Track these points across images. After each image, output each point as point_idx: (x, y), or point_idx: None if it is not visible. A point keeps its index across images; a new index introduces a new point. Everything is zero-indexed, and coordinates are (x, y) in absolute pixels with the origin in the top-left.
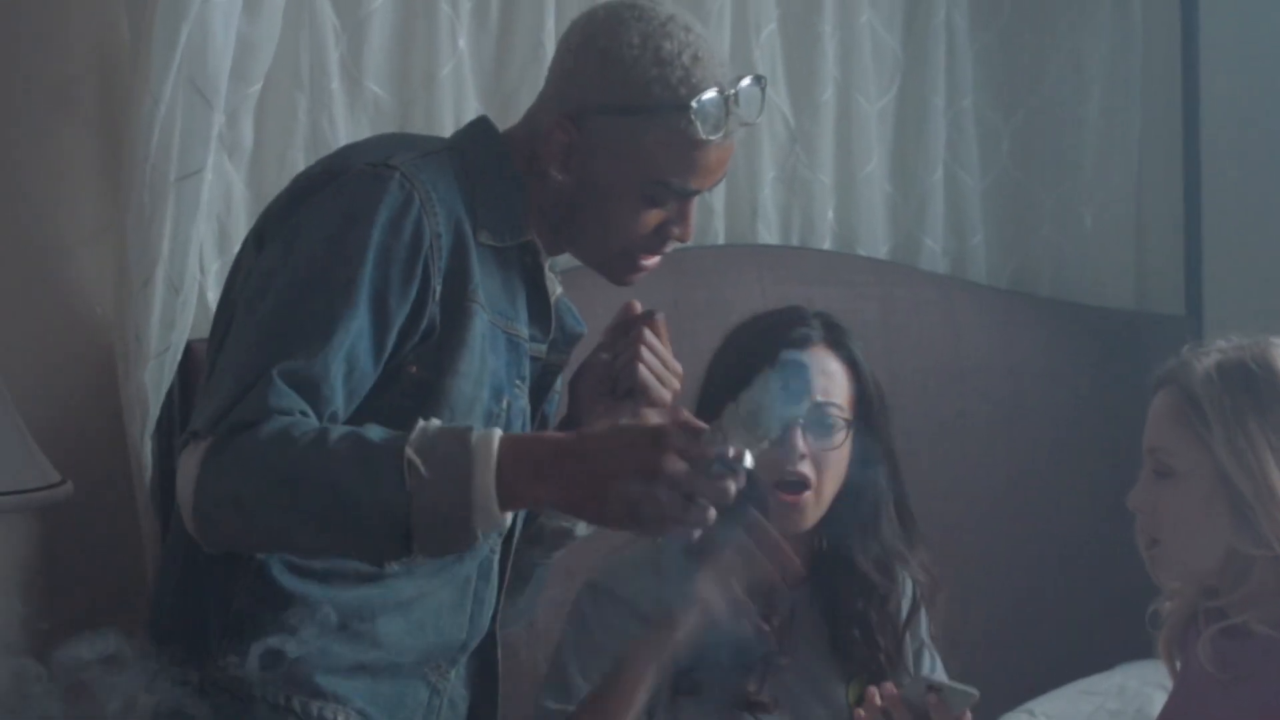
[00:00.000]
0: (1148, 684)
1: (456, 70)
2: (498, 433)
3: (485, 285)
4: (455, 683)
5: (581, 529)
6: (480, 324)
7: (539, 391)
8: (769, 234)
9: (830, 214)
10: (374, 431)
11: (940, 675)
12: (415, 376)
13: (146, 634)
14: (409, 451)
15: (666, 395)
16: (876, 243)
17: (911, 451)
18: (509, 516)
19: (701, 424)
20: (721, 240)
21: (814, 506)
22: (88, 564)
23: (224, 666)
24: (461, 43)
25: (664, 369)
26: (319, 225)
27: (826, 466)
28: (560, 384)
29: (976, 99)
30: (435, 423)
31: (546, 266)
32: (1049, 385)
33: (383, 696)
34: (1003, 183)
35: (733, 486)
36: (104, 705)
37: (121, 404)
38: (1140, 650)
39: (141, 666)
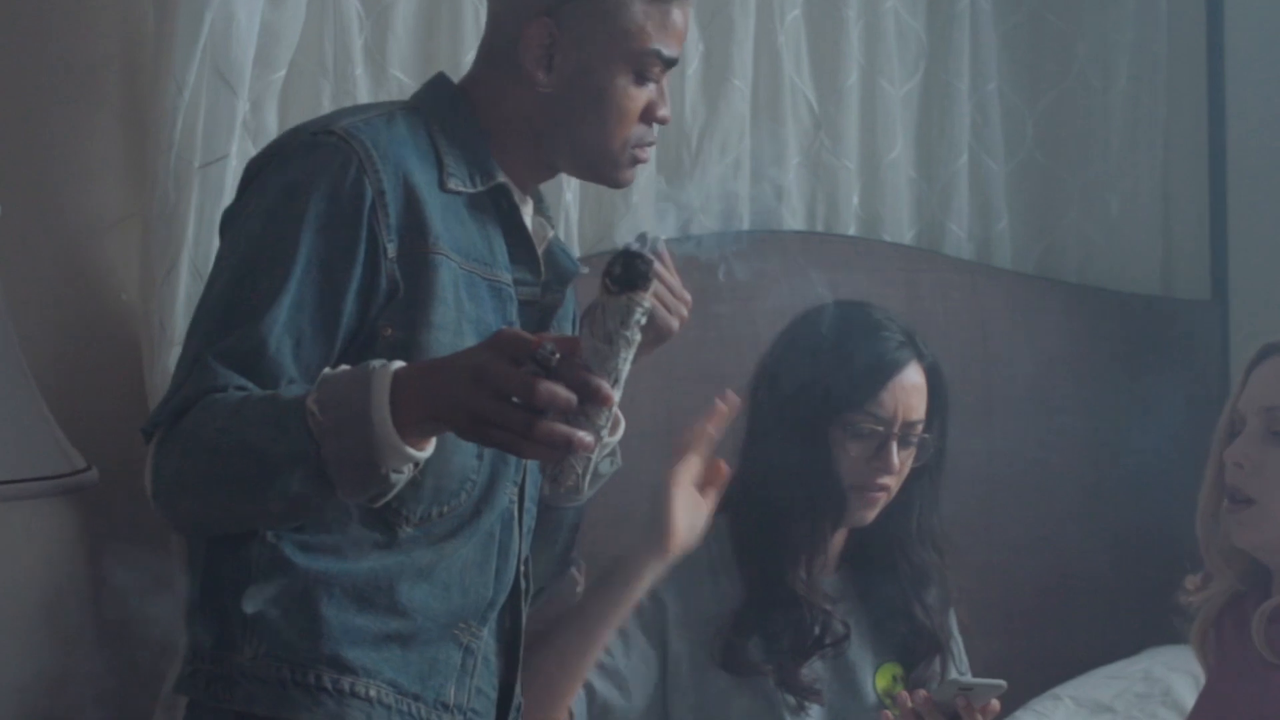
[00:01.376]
0: (1174, 669)
1: None
2: (395, 365)
3: (454, 234)
4: (488, 639)
5: (605, 466)
6: (448, 273)
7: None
8: (794, 220)
9: (855, 199)
10: (286, 390)
11: (964, 666)
12: (391, 338)
13: (185, 630)
14: (309, 401)
15: (674, 324)
16: (901, 228)
17: None
18: (426, 450)
19: (528, 335)
20: (746, 226)
21: (883, 503)
22: (114, 550)
23: (250, 654)
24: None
25: (671, 297)
26: (260, 204)
27: (902, 473)
28: (573, 326)
29: (1001, 83)
30: (343, 368)
31: (530, 207)
32: (1075, 370)
33: (413, 664)
34: (1028, 168)
35: (544, 385)
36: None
37: (146, 390)
38: (1166, 635)
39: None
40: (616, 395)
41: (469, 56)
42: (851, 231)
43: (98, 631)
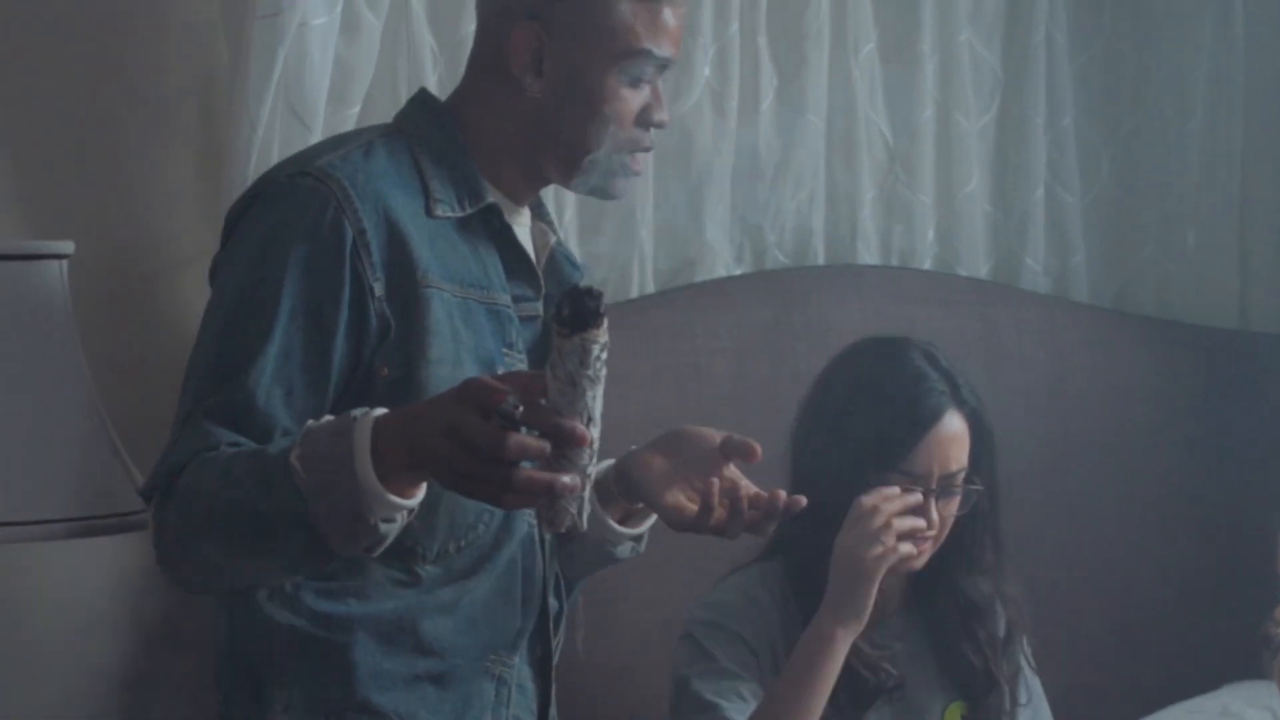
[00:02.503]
0: (1253, 704)
1: None
2: (375, 414)
3: (445, 261)
4: (520, 666)
5: (624, 550)
6: (440, 306)
7: (546, 351)
8: (869, 254)
9: (930, 234)
10: (274, 447)
11: (1033, 702)
12: (389, 377)
13: (216, 688)
14: (292, 457)
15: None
16: (977, 262)
17: (1015, 473)
18: (416, 497)
19: (496, 385)
20: (821, 261)
21: (930, 550)
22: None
23: (282, 707)
24: None
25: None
26: (241, 253)
27: (948, 518)
28: None
29: (1077, 117)
30: (325, 419)
31: (527, 217)
32: (1153, 405)
33: (448, 702)
34: (1104, 201)
35: (512, 439)
36: None
37: None
38: (1245, 671)
39: None
40: (594, 433)
41: None
42: (927, 266)
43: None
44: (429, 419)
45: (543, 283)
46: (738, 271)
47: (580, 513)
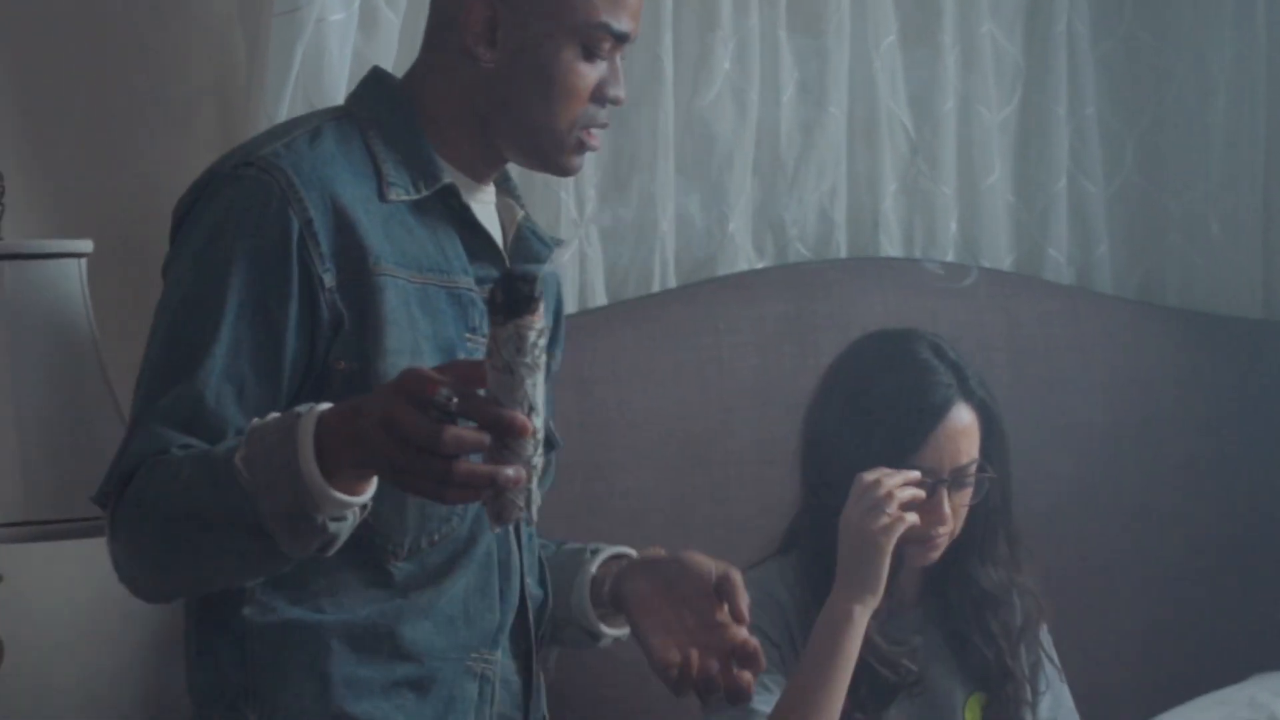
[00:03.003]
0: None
1: None
2: (320, 409)
3: (400, 247)
4: (503, 661)
5: (606, 642)
6: (395, 294)
7: None
8: (891, 246)
9: (953, 225)
10: (220, 448)
11: (1052, 690)
12: (345, 370)
13: (190, 700)
14: (236, 458)
15: None
16: (1000, 254)
17: (1038, 465)
18: (365, 494)
19: (431, 375)
20: (843, 253)
21: (946, 543)
22: None
23: None
24: None
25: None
26: (187, 248)
27: (960, 513)
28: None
29: (1100, 107)
30: (271, 416)
31: (490, 193)
32: (1177, 395)
33: (429, 706)
34: (1127, 191)
35: (449, 432)
36: None
37: None
38: (1274, 661)
39: None
40: (536, 421)
41: None
42: (949, 257)
43: None
44: (368, 413)
45: (508, 261)
46: (759, 265)
47: (529, 504)
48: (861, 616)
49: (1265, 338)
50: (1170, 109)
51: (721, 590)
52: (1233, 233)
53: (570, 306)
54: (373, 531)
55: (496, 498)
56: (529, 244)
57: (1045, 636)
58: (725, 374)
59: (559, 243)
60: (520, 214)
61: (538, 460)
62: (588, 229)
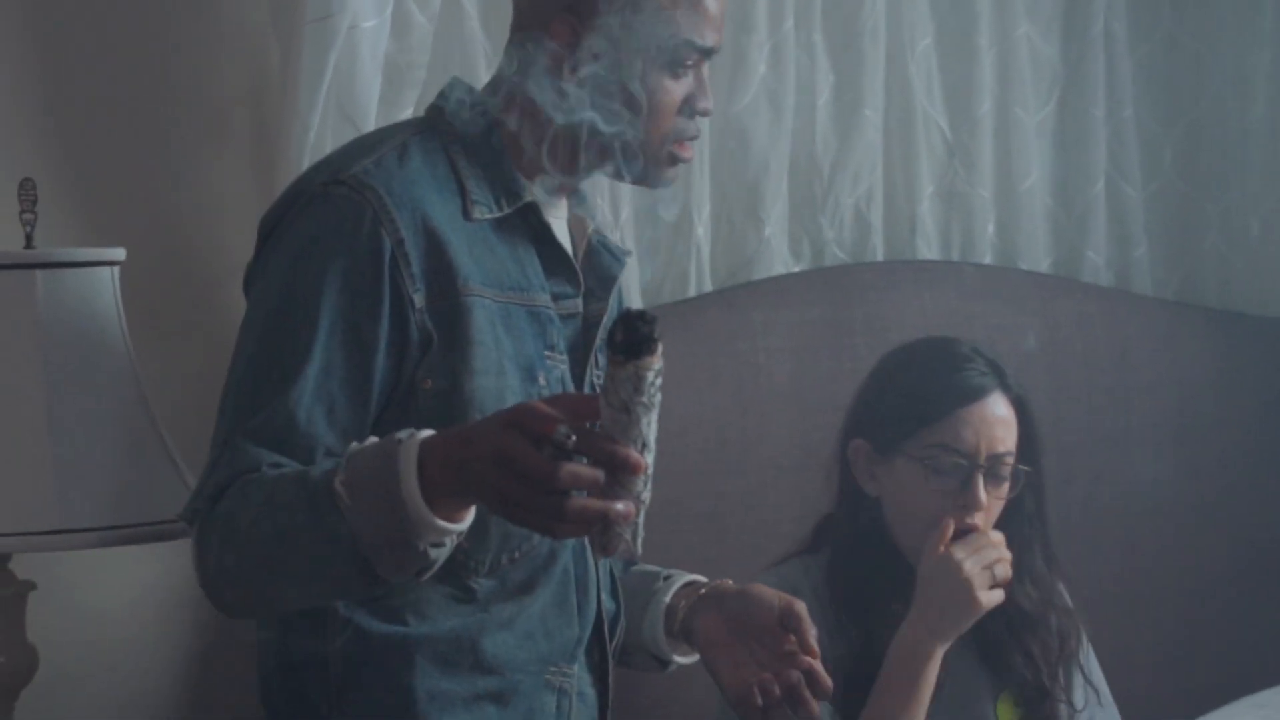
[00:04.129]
0: None
1: None
2: (421, 435)
3: (484, 266)
4: (580, 674)
5: (674, 667)
6: (483, 314)
7: (587, 348)
8: (928, 250)
9: (990, 228)
10: (317, 470)
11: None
12: (431, 389)
13: (265, 713)
14: (336, 483)
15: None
16: (1038, 256)
17: (1078, 468)
18: (465, 521)
19: (549, 412)
20: (880, 256)
21: None
22: None
23: None
24: None
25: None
26: (277, 265)
27: (992, 509)
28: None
29: (1138, 109)
30: (370, 441)
31: (565, 208)
32: (1218, 397)
33: (509, 719)
34: (1166, 193)
35: (565, 469)
36: None
37: None
38: None
39: None
40: (649, 458)
41: None
42: (987, 260)
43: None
44: (478, 445)
45: (581, 277)
46: (796, 269)
47: (635, 539)
48: (940, 654)
49: None
50: (1209, 110)
51: (786, 624)
52: (1273, 233)
53: None
54: (456, 548)
55: (604, 531)
56: (600, 257)
57: (1089, 659)
58: (761, 378)
59: (629, 254)
60: (591, 227)
61: (646, 495)
62: (623, 234)
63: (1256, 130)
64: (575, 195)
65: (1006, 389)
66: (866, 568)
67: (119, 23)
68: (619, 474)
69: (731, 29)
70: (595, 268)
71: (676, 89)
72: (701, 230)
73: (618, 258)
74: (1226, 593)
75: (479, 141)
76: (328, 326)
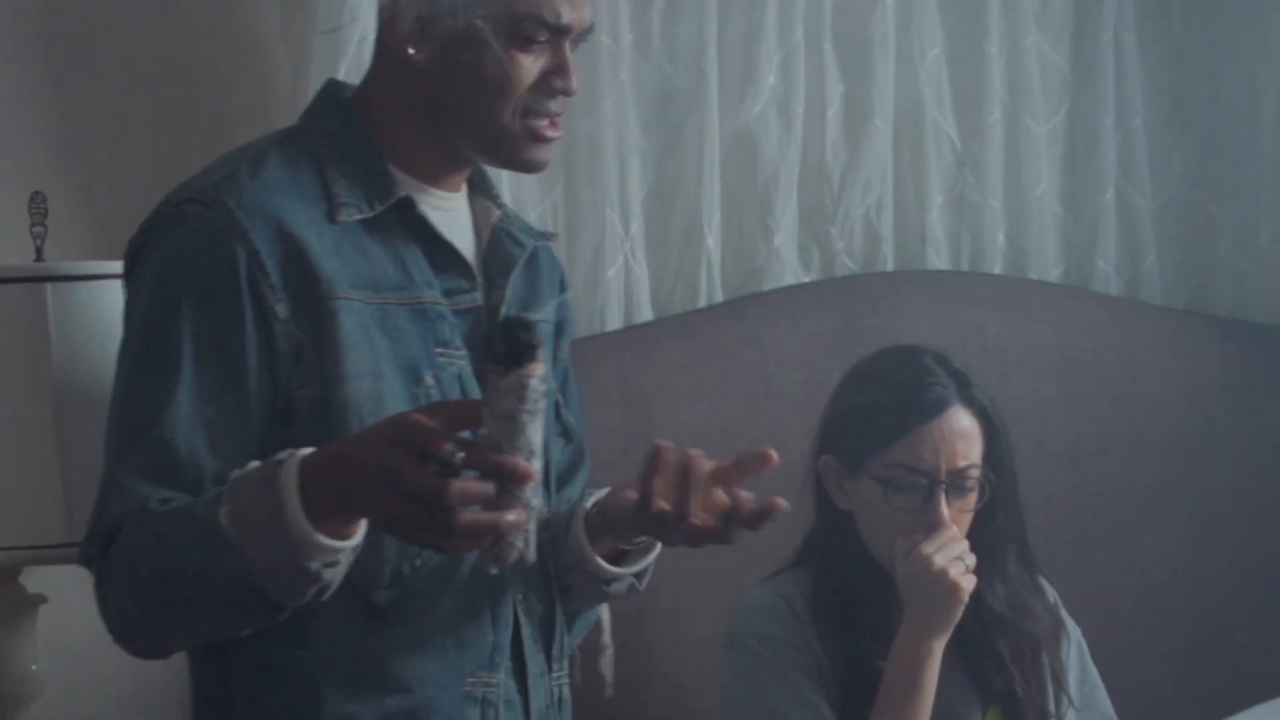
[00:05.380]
0: None
1: (619, 102)
2: (300, 455)
3: (355, 268)
4: (504, 681)
5: (620, 587)
6: (352, 317)
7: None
8: (938, 259)
9: (1000, 237)
10: (201, 503)
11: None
12: (307, 399)
13: None
14: (220, 515)
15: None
16: (1048, 265)
17: (1088, 477)
18: (355, 537)
19: (433, 427)
20: (890, 266)
21: None
22: None
23: None
24: (624, 75)
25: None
26: (139, 294)
27: (962, 520)
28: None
29: (1148, 117)
30: (251, 466)
31: (462, 198)
32: (1227, 406)
33: None
34: (1176, 202)
35: (453, 486)
36: None
37: None
38: None
39: None
40: (536, 464)
41: (607, 103)
42: (997, 269)
43: None
44: (360, 462)
45: (477, 270)
46: (806, 279)
47: (528, 545)
48: (939, 651)
49: None
50: (1219, 119)
51: (742, 467)
52: None
53: (616, 322)
54: (354, 562)
55: (495, 542)
56: (502, 246)
57: (1075, 665)
58: (771, 389)
59: (547, 235)
60: (497, 214)
61: (536, 501)
62: (633, 245)
63: (1267, 139)
64: (482, 184)
65: (968, 399)
66: (848, 580)
67: (128, 36)
68: (508, 484)
69: (740, 38)
70: (497, 256)
71: (528, 64)
72: (711, 240)
73: (520, 242)
74: (1238, 601)
75: (349, 141)
76: (192, 350)
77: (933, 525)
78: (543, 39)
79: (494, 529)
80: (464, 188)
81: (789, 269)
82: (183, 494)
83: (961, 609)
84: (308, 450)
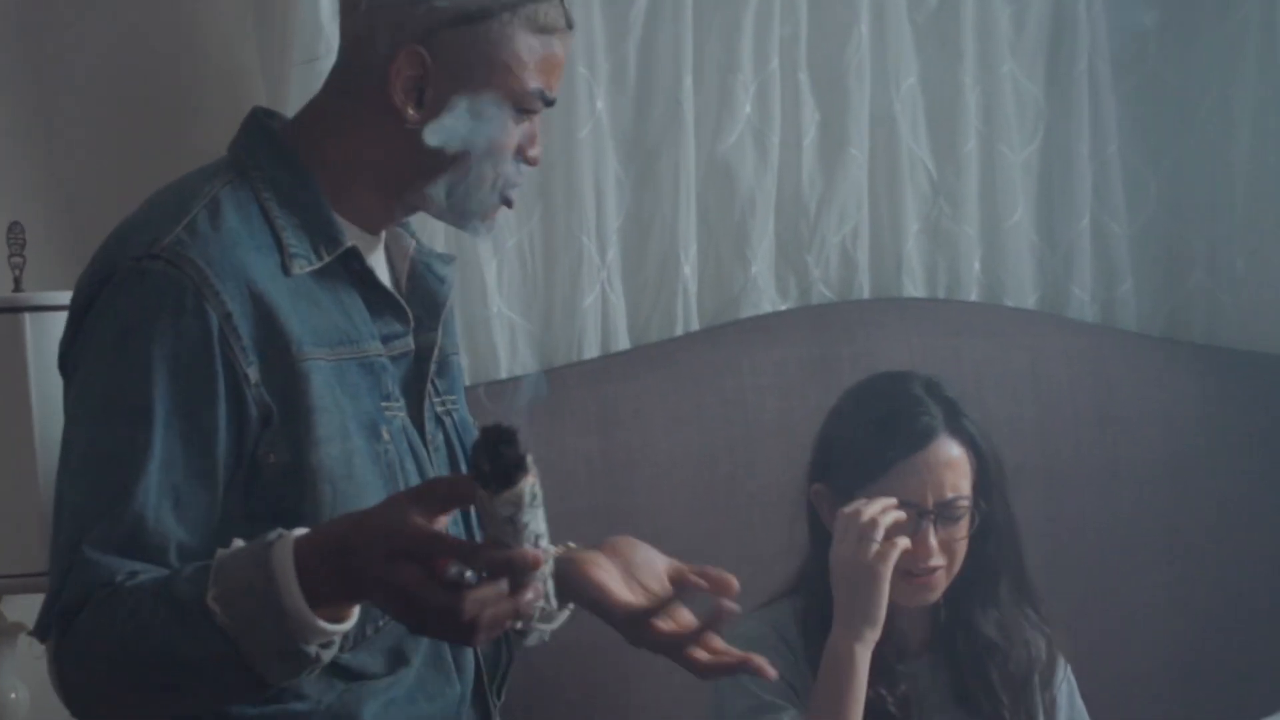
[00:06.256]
0: None
1: (595, 132)
2: (293, 538)
3: (313, 324)
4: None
5: (531, 640)
6: (320, 378)
7: (420, 384)
8: (914, 287)
9: (976, 265)
10: (181, 582)
11: None
12: (276, 464)
13: None
14: (209, 600)
15: None
16: (1024, 293)
17: (1065, 505)
18: (351, 619)
19: (441, 546)
20: (866, 294)
21: (944, 581)
22: None
23: None
24: (600, 104)
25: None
26: (98, 352)
27: (955, 549)
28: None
29: (1122, 145)
30: (235, 545)
31: (381, 244)
32: (1204, 433)
33: None
34: (1151, 229)
35: (470, 602)
36: None
37: None
38: None
39: None
40: (544, 544)
41: (583, 133)
42: (973, 297)
43: None
44: (361, 570)
45: (408, 310)
46: (783, 307)
47: (548, 599)
48: (863, 653)
49: None
50: (1193, 146)
51: (679, 581)
52: (1258, 269)
53: (594, 350)
54: None
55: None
56: (425, 282)
57: (1063, 691)
58: (749, 416)
59: (448, 259)
60: (411, 248)
61: (549, 569)
62: (610, 273)
63: (1240, 166)
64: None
65: (956, 429)
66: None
67: (106, 66)
68: (520, 575)
69: (716, 68)
70: (421, 294)
71: (516, 135)
72: (688, 269)
73: (442, 277)
74: (1215, 626)
75: (292, 184)
76: (163, 418)
77: (920, 558)
78: (535, 111)
79: (514, 618)
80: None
81: (766, 297)
82: (150, 566)
83: (881, 590)
84: (300, 532)
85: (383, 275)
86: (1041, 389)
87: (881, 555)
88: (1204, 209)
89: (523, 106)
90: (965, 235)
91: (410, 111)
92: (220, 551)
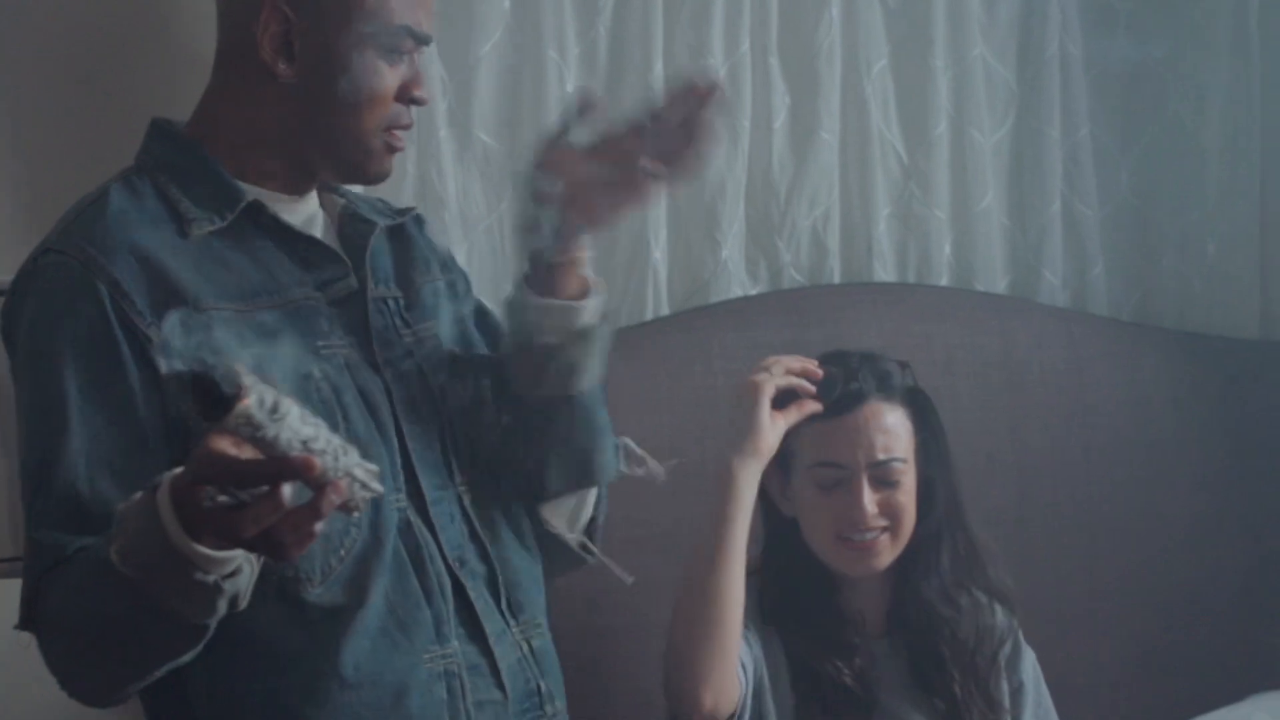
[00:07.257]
0: (1277, 716)
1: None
2: (169, 477)
3: (218, 280)
4: (463, 647)
5: (583, 381)
6: (223, 328)
7: (367, 324)
8: (885, 272)
9: (947, 249)
10: (100, 544)
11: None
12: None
13: None
14: (112, 554)
15: None
16: (995, 277)
17: (1035, 488)
18: (238, 552)
19: (197, 477)
20: (837, 278)
21: (890, 548)
22: None
23: None
24: (570, 88)
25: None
26: (18, 354)
27: (899, 510)
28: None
29: (1093, 129)
30: (133, 499)
31: (311, 198)
32: (1174, 417)
33: None
34: (1122, 213)
35: (248, 519)
36: None
37: None
38: (1272, 681)
39: None
40: (315, 447)
41: (553, 118)
42: (944, 281)
43: None
44: (188, 500)
45: (345, 256)
46: (753, 291)
47: (367, 484)
48: (741, 469)
49: (1263, 358)
50: (1164, 131)
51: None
52: (1229, 254)
53: None
54: (285, 566)
55: (343, 507)
56: (351, 228)
57: (1006, 660)
58: (719, 401)
59: (405, 212)
60: (341, 203)
61: (344, 459)
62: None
63: (1212, 151)
64: (324, 184)
65: (890, 395)
66: (794, 584)
67: (84, 78)
68: (302, 478)
69: (687, 51)
70: (350, 240)
71: (392, 76)
72: (658, 253)
73: (369, 220)
74: (1186, 611)
75: (188, 163)
76: (76, 393)
77: (855, 521)
78: (407, 49)
79: (317, 516)
80: (314, 191)
81: (736, 281)
82: (96, 538)
83: (758, 408)
84: (179, 470)
85: (319, 230)
86: (1013, 374)
87: (764, 380)
88: (1175, 193)
89: (394, 47)
90: (936, 219)
91: (281, 66)
92: (120, 505)
